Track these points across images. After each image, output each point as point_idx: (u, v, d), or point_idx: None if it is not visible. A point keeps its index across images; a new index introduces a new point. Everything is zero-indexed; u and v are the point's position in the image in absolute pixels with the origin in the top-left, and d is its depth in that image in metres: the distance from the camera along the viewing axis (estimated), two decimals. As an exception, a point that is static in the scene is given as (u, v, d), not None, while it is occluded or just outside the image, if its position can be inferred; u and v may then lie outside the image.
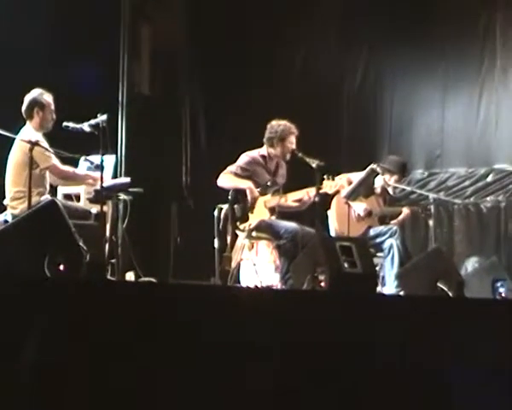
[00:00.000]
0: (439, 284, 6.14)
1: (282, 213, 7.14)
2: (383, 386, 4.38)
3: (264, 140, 7.23)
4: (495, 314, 4.84)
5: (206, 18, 9.36)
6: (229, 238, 7.05)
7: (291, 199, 7.08)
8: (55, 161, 6.47)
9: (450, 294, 6.08)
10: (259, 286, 6.82)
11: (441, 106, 9.17)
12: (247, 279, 7.09)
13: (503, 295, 6.65)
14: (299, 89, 9.27)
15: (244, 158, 7.21)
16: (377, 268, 6.97)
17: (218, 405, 3.92)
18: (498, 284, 6.72)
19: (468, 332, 4.63)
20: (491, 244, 8.77)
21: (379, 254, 7.27)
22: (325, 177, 6.67)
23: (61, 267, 5.05)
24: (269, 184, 7.12)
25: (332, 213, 7.43)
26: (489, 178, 8.97)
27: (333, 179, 6.70)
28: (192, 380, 3.90)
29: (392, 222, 7.52)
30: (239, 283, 7.02)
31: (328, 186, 6.68)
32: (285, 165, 7.34)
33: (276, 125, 7.16)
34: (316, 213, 6.75)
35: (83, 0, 8.25)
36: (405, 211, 7.54)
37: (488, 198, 8.94)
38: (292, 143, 7.13)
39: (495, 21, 8.94)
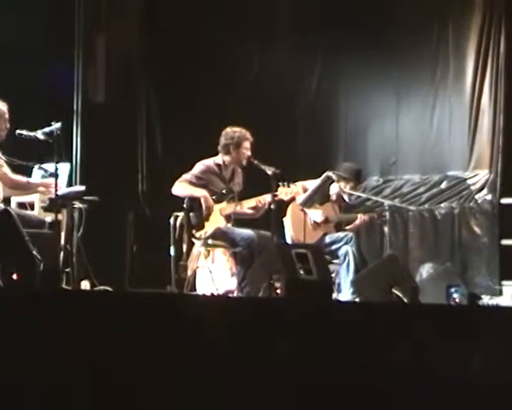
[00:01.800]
0: (394, 290, 6.17)
1: (237, 220, 7.16)
2: (340, 392, 4.40)
3: (220, 148, 7.22)
4: (449, 320, 4.86)
5: (161, 25, 9.35)
6: (185, 246, 7.04)
7: (246, 206, 7.11)
8: (6, 169, 6.37)
9: (405, 300, 6.11)
10: (216, 294, 6.81)
11: (395, 114, 9.23)
12: (204, 287, 7.09)
13: (456, 300, 6.75)
14: (255, 96, 9.27)
15: (199, 167, 7.20)
16: (333, 275, 6.99)
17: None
18: (452, 290, 6.80)
19: (422, 338, 4.65)
20: (445, 250, 8.85)
21: (335, 260, 7.29)
22: (280, 184, 6.70)
23: (15, 276, 5.00)
24: (224, 191, 7.13)
25: (288, 221, 7.42)
26: (443, 185, 9.05)
27: (288, 186, 6.73)
28: (146, 390, 3.89)
29: (348, 228, 7.54)
30: (195, 290, 7.01)
31: (284, 193, 6.72)
32: (241, 172, 7.35)
33: (231, 132, 7.16)
34: (271, 220, 6.75)
35: (37, 7, 8.23)
36: (361, 217, 7.56)
37: (442, 205, 9.02)
38: (247, 149, 7.14)
39: (447, 30, 8.99)
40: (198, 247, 7.11)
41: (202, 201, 7.01)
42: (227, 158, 7.22)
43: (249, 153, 7.13)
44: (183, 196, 7.07)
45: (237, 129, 7.18)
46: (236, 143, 7.10)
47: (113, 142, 8.80)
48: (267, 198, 6.84)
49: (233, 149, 7.13)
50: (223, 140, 7.19)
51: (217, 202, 7.10)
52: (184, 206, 7.05)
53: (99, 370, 3.79)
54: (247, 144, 7.13)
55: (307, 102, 9.53)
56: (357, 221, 7.53)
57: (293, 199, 7.06)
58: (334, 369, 4.41)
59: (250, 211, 7.04)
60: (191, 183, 7.09)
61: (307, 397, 4.28)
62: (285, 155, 8.73)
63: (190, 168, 7.22)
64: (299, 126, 9.47)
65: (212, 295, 6.68)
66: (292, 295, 5.25)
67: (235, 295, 6.73)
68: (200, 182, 7.12)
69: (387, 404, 4.50)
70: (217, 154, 7.31)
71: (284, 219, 7.44)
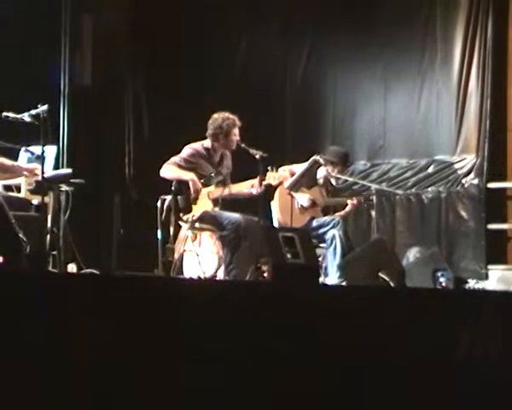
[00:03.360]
0: (381, 274, 6.25)
1: (225, 204, 7.14)
2: (327, 378, 4.39)
3: (208, 135, 7.18)
4: (435, 303, 4.83)
5: (150, 7, 9.28)
6: (172, 230, 7.02)
7: (235, 191, 7.11)
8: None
9: (392, 284, 6.16)
10: (202, 277, 6.79)
11: (383, 97, 9.21)
12: (191, 270, 7.07)
13: (443, 284, 6.82)
14: (242, 80, 9.25)
15: (187, 150, 7.15)
16: (320, 259, 7.01)
17: (158, 403, 3.89)
18: (439, 274, 6.88)
19: (408, 322, 4.65)
20: (432, 235, 8.85)
21: (322, 244, 7.28)
22: (269, 168, 6.68)
23: (0, 259, 4.97)
24: (213, 175, 7.11)
25: (275, 205, 7.39)
26: (430, 169, 9.04)
27: (276, 171, 6.72)
28: (133, 376, 3.85)
29: (338, 214, 7.51)
30: (182, 274, 6.99)
31: (272, 177, 6.70)
32: (230, 155, 7.32)
33: (220, 119, 7.11)
34: (259, 204, 6.78)
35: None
36: (351, 202, 7.55)
37: (429, 189, 9.02)
38: (236, 134, 7.13)
39: (435, 14, 8.97)
40: (185, 230, 7.10)
41: (190, 184, 6.98)
42: (216, 144, 7.21)
43: (238, 138, 7.14)
44: (170, 179, 7.03)
45: (225, 115, 7.13)
46: (225, 132, 7.09)
47: (100, 125, 8.85)
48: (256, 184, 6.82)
49: (222, 136, 7.12)
50: (211, 128, 7.15)
51: (205, 185, 7.07)
52: (172, 189, 7.03)
53: (84, 355, 3.76)
54: (235, 131, 7.12)
55: (295, 86, 9.49)
56: (348, 207, 7.53)
57: (280, 183, 7.02)
58: (319, 353, 4.39)
59: (247, 190, 6.99)
60: (179, 166, 7.05)
61: (293, 383, 4.26)
62: (273, 139, 8.70)
63: (178, 152, 7.19)
64: (286, 110, 9.44)
65: (199, 278, 6.66)
66: (279, 279, 5.24)
67: (221, 278, 6.73)
68: (188, 165, 7.08)
69: (369, 389, 4.46)
70: (205, 137, 7.28)
71: (272, 203, 7.42)
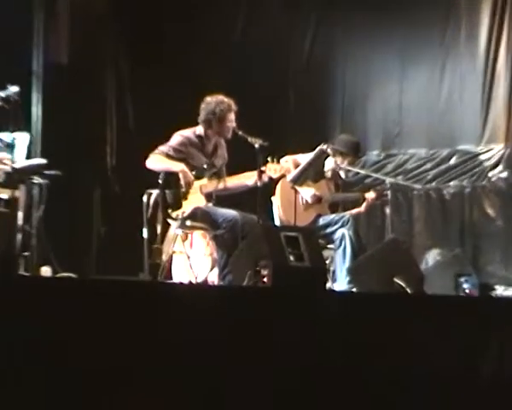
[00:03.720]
0: (397, 280, 6.16)
1: (220, 200, 7.09)
2: (333, 388, 4.41)
3: (200, 121, 7.13)
4: (458, 313, 4.86)
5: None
6: (159, 228, 6.99)
7: (232, 183, 7.06)
8: None
9: (409, 290, 6.09)
10: (194, 282, 6.79)
11: (399, 79, 9.25)
12: (181, 274, 7.07)
13: (467, 291, 6.72)
14: (239, 59, 9.21)
15: (177, 138, 7.10)
16: (327, 262, 6.95)
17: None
18: (462, 280, 6.79)
19: (427, 333, 4.66)
20: (454, 235, 8.86)
21: (329, 245, 7.24)
22: (269, 159, 6.63)
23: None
24: (205, 166, 7.07)
25: (276, 200, 7.36)
26: (452, 161, 9.06)
27: (278, 162, 6.68)
28: (121, 384, 3.90)
29: (355, 211, 7.50)
30: (171, 278, 6.99)
31: (273, 170, 6.66)
32: (225, 144, 7.29)
33: (213, 102, 7.05)
34: (258, 199, 6.68)
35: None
36: (368, 198, 7.51)
37: (451, 183, 9.05)
38: (232, 121, 7.06)
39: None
40: (174, 229, 7.04)
41: (181, 176, 6.92)
42: (209, 131, 7.15)
43: (234, 124, 7.06)
44: (158, 171, 6.98)
45: (220, 98, 7.06)
46: (219, 117, 7.03)
47: (79, 109, 8.70)
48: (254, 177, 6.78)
49: (216, 123, 7.07)
50: (203, 113, 7.10)
51: (197, 177, 7.02)
52: (159, 181, 6.97)
53: (59, 369, 3.79)
54: (231, 116, 7.05)
55: (299, 66, 9.45)
56: (363, 206, 7.52)
57: (282, 176, 6.97)
58: (326, 367, 4.42)
59: (244, 184, 6.93)
60: (168, 155, 6.99)
61: (296, 390, 4.30)
62: (274, 125, 8.63)
63: (167, 139, 7.12)
64: (290, 93, 9.43)
65: (191, 283, 6.65)
66: (280, 284, 5.21)
67: (216, 283, 6.72)
68: (178, 155, 7.02)
69: (389, 405, 4.52)
70: (197, 124, 7.21)
71: (273, 199, 7.39)
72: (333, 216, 7.36)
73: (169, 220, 7.03)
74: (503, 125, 8.79)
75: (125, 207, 8.05)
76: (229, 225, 6.78)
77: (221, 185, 7.03)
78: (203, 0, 9.21)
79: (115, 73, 9.38)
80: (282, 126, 9.04)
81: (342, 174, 7.64)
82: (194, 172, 7.01)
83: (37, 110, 8.61)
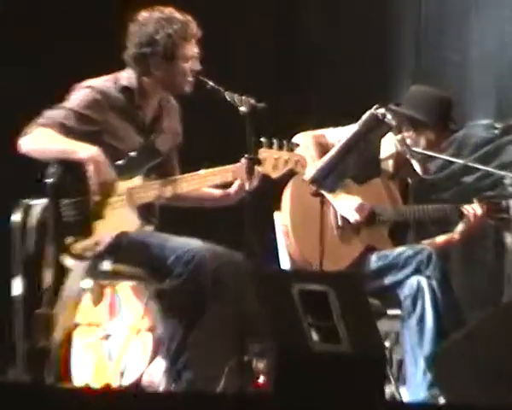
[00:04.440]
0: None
1: (170, 218, 5.47)
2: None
3: (128, 58, 5.32)
4: None
5: None
6: (48, 275, 5.24)
7: (193, 187, 5.23)
8: None
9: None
10: (117, 387, 5.19)
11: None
12: (90, 371, 5.40)
13: None
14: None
15: (83, 94, 5.29)
16: (387, 344, 5.68)
17: None
18: None
19: None
20: None
21: (391, 311, 5.58)
22: (263, 139, 5.01)
23: None
24: (138, 151, 5.31)
25: (284, 219, 5.61)
26: None
27: (287, 146, 5.07)
28: None
29: (442, 240, 5.74)
30: (70, 380, 5.21)
31: (273, 161, 5.15)
32: (177, 108, 5.49)
33: (154, 20, 5.28)
34: (246, 219, 4.97)
35: None
36: (474, 210, 5.53)
37: None
38: (192, 57, 5.24)
39: None
40: (78, 278, 5.32)
41: (91, 169, 5.15)
42: (146, 80, 5.34)
43: (198, 66, 5.21)
44: (44, 159, 5.23)
45: (167, 13, 5.31)
46: (166, 52, 5.30)
47: None
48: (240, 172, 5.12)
49: (159, 62, 5.33)
50: (134, 43, 5.31)
51: (124, 173, 5.25)
52: (48, 181, 5.17)
53: None
54: (190, 49, 5.30)
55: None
56: (459, 231, 5.65)
57: (293, 173, 5.33)
58: None
59: (217, 192, 5.36)
60: (64, 127, 5.23)
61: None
62: (278, 70, 7.08)
63: (62, 97, 5.31)
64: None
65: (109, 388, 5.06)
66: (291, 391, 4.05)
67: (160, 387, 5.18)
68: (85, 127, 5.27)
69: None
70: (121, 66, 5.36)
71: (276, 216, 5.73)
72: (399, 251, 5.62)
73: (66, 261, 5.27)
74: None
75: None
76: (186, 269, 5.16)
77: (169, 191, 5.24)
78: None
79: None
80: (293, 74, 7.13)
81: (417, 166, 5.66)
82: (117, 163, 5.27)
83: None
